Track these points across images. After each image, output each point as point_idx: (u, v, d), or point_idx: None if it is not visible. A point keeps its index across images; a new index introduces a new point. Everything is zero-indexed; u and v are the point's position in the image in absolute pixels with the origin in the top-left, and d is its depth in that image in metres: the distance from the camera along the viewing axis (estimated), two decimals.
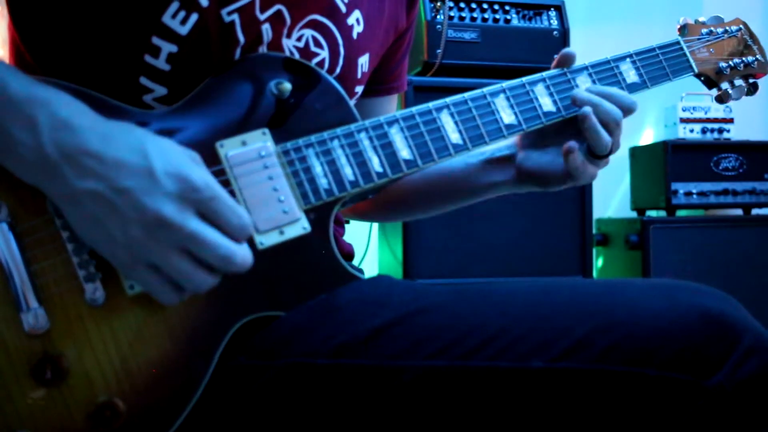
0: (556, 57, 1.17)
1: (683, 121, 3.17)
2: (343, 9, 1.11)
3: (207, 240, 0.83)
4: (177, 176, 0.82)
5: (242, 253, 0.85)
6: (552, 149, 1.17)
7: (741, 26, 1.29)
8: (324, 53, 1.08)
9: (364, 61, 1.15)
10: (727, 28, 1.28)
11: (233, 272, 0.85)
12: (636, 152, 3.32)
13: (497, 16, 2.77)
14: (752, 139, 3.22)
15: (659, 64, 1.19)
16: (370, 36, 1.16)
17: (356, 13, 1.12)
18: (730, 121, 3.20)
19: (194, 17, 0.97)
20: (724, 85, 1.27)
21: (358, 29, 1.13)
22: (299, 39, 1.06)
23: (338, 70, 1.11)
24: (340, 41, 1.10)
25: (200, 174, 0.84)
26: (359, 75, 1.14)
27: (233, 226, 0.85)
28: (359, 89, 1.16)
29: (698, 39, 1.25)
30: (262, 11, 1.02)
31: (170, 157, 0.83)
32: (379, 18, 1.17)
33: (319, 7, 1.08)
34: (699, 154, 3.11)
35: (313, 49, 1.08)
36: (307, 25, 1.07)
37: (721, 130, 3.19)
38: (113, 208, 0.81)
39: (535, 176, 1.18)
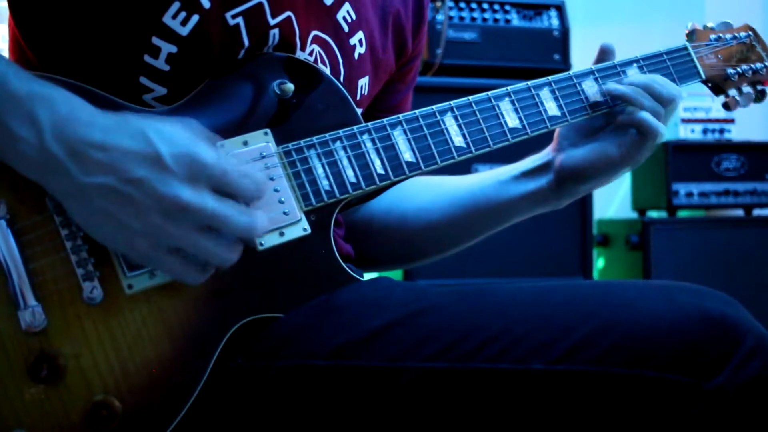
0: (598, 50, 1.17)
1: (684, 121, 3.17)
2: (346, 29, 1.10)
3: (228, 215, 0.84)
4: (185, 157, 0.82)
5: (262, 220, 0.87)
6: (599, 141, 1.14)
7: (750, 32, 1.27)
8: (327, 72, 1.08)
9: (363, 83, 1.14)
10: (736, 34, 1.26)
11: (255, 238, 0.87)
12: None
13: (497, 16, 2.77)
14: (753, 139, 3.22)
15: (666, 70, 1.18)
16: (372, 59, 1.15)
17: (359, 35, 1.12)
18: (731, 121, 3.20)
19: (195, 18, 0.97)
20: (732, 92, 1.25)
21: (360, 50, 1.12)
22: (311, 54, 1.06)
23: None
24: (341, 60, 1.10)
25: (206, 150, 0.84)
26: (358, 97, 1.13)
27: (249, 191, 0.86)
28: (358, 112, 1.15)
29: (706, 45, 1.23)
30: (274, 16, 1.01)
31: (173, 138, 0.84)
32: (383, 42, 1.17)
33: (321, 23, 1.07)
34: (700, 155, 3.11)
35: (319, 65, 1.07)
36: (314, 41, 1.07)
37: (722, 131, 3.19)
38: (127, 199, 0.81)
39: (582, 169, 1.13)
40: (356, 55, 1.12)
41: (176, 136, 0.84)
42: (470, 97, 1.07)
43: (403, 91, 1.27)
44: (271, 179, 0.95)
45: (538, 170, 1.18)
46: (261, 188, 0.87)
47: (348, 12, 1.10)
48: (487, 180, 1.22)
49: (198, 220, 0.83)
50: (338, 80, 1.09)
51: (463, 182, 1.24)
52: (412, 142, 1.03)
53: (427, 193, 1.25)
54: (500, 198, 1.20)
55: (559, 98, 1.11)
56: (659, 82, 1.12)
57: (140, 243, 0.83)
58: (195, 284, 0.87)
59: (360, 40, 1.12)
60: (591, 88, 1.13)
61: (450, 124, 1.05)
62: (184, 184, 0.82)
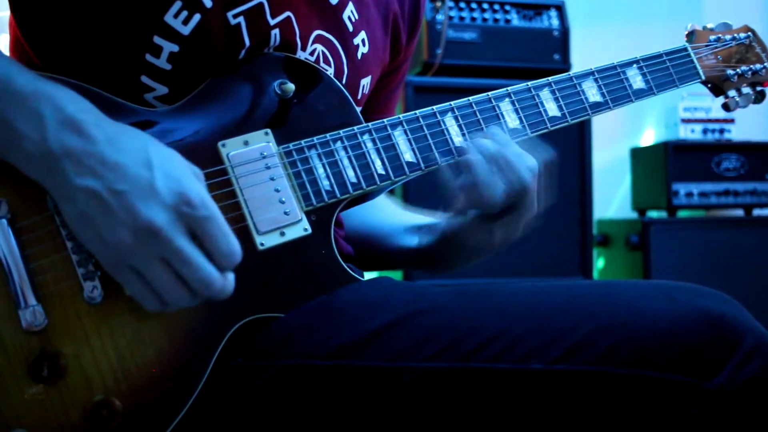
0: None
1: (684, 121, 3.17)
2: (350, 28, 1.10)
3: (190, 259, 0.82)
4: (175, 189, 0.82)
5: (222, 282, 0.84)
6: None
7: (749, 33, 1.27)
8: (330, 71, 1.08)
9: (366, 83, 1.14)
10: (735, 35, 1.26)
11: (210, 298, 0.84)
12: (637, 153, 3.32)
13: (497, 16, 2.77)
14: (753, 139, 3.22)
15: (666, 71, 1.18)
16: (374, 58, 1.15)
17: (362, 34, 1.12)
18: (731, 121, 3.20)
19: (197, 17, 0.97)
20: (731, 93, 1.26)
21: (363, 50, 1.12)
22: (312, 53, 1.06)
23: None
24: (345, 60, 1.10)
25: (198, 191, 0.83)
26: (359, 96, 1.14)
27: (221, 251, 0.84)
28: (358, 112, 1.15)
29: (706, 45, 1.24)
30: (273, 16, 1.02)
31: (172, 168, 0.83)
32: (384, 41, 1.17)
33: (325, 22, 1.08)
34: (700, 155, 3.11)
35: (322, 64, 1.08)
36: (318, 41, 1.07)
37: (722, 131, 3.19)
38: (107, 208, 0.81)
39: (450, 237, 1.12)
40: (359, 55, 1.12)
41: (177, 168, 0.84)
42: (470, 98, 1.07)
43: (390, 91, 1.28)
44: (272, 179, 0.95)
45: (429, 228, 1.18)
46: (236, 255, 0.84)
47: (352, 11, 1.10)
48: (387, 223, 1.23)
49: (162, 250, 0.81)
50: (342, 80, 1.09)
51: (392, 216, 1.26)
52: (413, 143, 1.03)
53: (370, 211, 1.27)
54: (388, 244, 1.22)
55: (560, 99, 1.11)
56: (513, 152, 1.04)
57: (109, 254, 0.82)
58: (151, 310, 0.85)
59: (363, 40, 1.12)
60: (591, 89, 1.13)
61: (450, 124, 1.05)
62: (162, 210, 0.81)
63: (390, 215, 1.27)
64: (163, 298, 0.84)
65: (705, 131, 3.18)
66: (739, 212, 3.20)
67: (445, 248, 1.13)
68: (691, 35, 1.25)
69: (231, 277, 0.85)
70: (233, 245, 0.84)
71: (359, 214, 1.25)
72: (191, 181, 0.84)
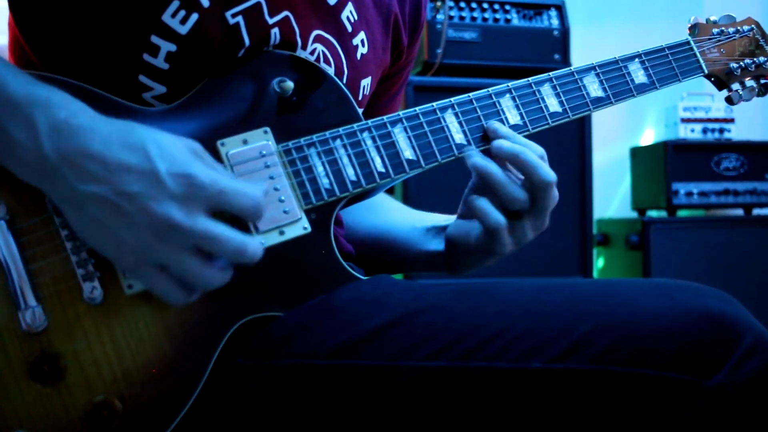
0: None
1: (684, 120, 3.18)
2: (349, 28, 1.10)
3: (218, 236, 0.82)
4: (182, 176, 0.82)
5: (253, 244, 0.85)
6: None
7: (753, 26, 1.26)
8: (330, 71, 1.08)
9: (366, 84, 1.14)
10: (739, 27, 1.25)
11: (245, 264, 0.85)
12: (637, 152, 3.32)
13: (497, 16, 2.77)
14: (753, 139, 3.23)
15: (668, 65, 1.17)
16: (374, 59, 1.15)
17: (361, 35, 1.12)
18: (731, 120, 3.20)
19: (194, 17, 0.97)
20: (735, 86, 1.24)
21: (362, 50, 1.12)
22: (312, 52, 1.06)
23: None
24: (344, 61, 1.10)
25: (204, 170, 0.83)
26: (360, 97, 1.13)
27: (246, 210, 0.85)
28: (359, 110, 1.15)
29: (709, 39, 1.22)
30: (271, 15, 1.02)
31: (173, 155, 0.83)
32: (384, 43, 1.17)
33: (324, 22, 1.07)
34: (700, 154, 3.11)
35: (322, 64, 1.07)
36: (317, 40, 1.07)
37: (722, 130, 3.19)
38: (120, 212, 0.81)
39: (457, 240, 1.12)
40: (359, 56, 1.12)
41: (176, 153, 0.83)
42: (471, 94, 1.07)
43: (391, 96, 1.28)
44: (271, 178, 0.95)
45: (441, 231, 1.17)
46: (259, 203, 0.85)
47: (351, 12, 1.10)
48: (400, 224, 1.22)
49: (187, 241, 0.82)
50: (342, 80, 1.08)
51: (404, 218, 1.24)
52: (413, 140, 1.02)
53: (374, 211, 1.26)
54: (406, 249, 1.20)
55: (561, 94, 1.11)
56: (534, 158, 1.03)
57: (128, 255, 0.82)
58: (176, 304, 0.86)
59: (362, 41, 1.12)
60: (592, 84, 1.13)
61: (450, 121, 1.05)
62: (177, 204, 0.81)
63: (401, 218, 1.25)
64: (195, 284, 0.84)
65: (705, 131, 3.18)
66: (739, 212, 3.20)
67: (451, 247, 1.12)
68: (693, 28, 1.23)
69: (257, 237, 0.87)
70: (252, 197, 0.84)
71: (368, 219, 1.24)
72: (193, 162, 0.83)
